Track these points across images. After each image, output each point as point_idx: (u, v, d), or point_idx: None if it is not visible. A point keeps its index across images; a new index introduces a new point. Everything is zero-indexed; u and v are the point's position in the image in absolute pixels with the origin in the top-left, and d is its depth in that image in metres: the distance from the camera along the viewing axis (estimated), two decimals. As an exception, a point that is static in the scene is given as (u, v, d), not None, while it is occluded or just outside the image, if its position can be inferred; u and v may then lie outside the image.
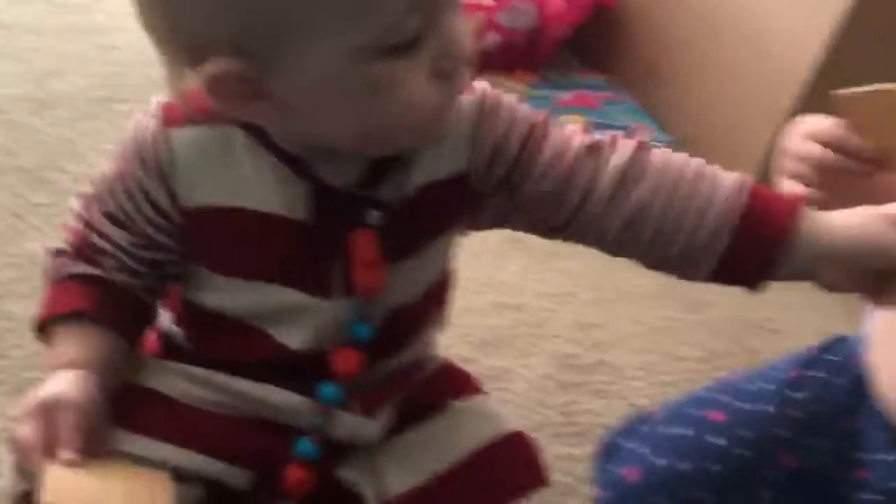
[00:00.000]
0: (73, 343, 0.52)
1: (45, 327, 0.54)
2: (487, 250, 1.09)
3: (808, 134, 0.61)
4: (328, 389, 0.55)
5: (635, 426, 0.76)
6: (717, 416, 0.70)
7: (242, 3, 0.41)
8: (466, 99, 0.53)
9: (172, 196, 0.51)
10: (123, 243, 0.53)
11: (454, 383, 0.67)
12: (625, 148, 0.52)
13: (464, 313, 0.99)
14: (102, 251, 0.53)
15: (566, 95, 1.49)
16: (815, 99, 1.20)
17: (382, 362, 0.59)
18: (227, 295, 0.54)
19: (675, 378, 1.00)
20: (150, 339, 0.60)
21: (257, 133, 0.50)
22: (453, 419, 0.64)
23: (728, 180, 0.51)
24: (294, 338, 0.54)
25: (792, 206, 0.51)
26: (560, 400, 0.93)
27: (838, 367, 0.69)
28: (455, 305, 1.00)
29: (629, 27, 1.53)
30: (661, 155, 0.52)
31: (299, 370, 0.55)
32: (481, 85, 0.54)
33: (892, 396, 0.64)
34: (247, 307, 0.54)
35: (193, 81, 0.45)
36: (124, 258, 0.54)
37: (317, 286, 0.53)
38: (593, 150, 0.52)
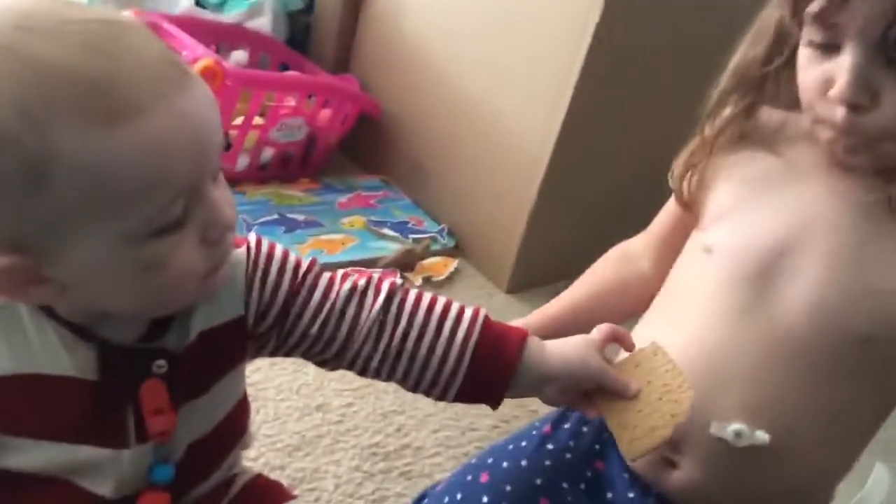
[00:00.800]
0: None
1: None
2: (283, 358, 1.14)
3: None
4: None
5: (421, 500, 0.84)
6: (484, 476, 0.77)
7: (13, 207, 0.43)
8: (239, 251, 0.59)
9: None
10: None
11: (265, 496, 0.71)
12: (382, 292, 0.62)
13: (269, 422, 1.04)
14: None
15: (345, 198, 1.59)
16: (553, 179, 1.38)
17: (189, 494, 0.62)
18: (26, 455, 0.55)
19: (469, 449, 1.10)
20: None
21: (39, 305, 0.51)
22: None
23: (467, 317, 0.62)
24: (102, 487, 0.56)
25: (518, 339, 0.62)
26: (369, 489, 0.99)
27: (584, 419, 0.79)
28: (259, 416, 1.06)
29: (393, 131, 1.66)
30: (413, 297, 0.62)
31: None
32: (252, 237, 0.61)
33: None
34: (46, 465, 0.55)
35: None
36: None
37: (113, 439, 0.55)
38: (355, 294, 0.61)
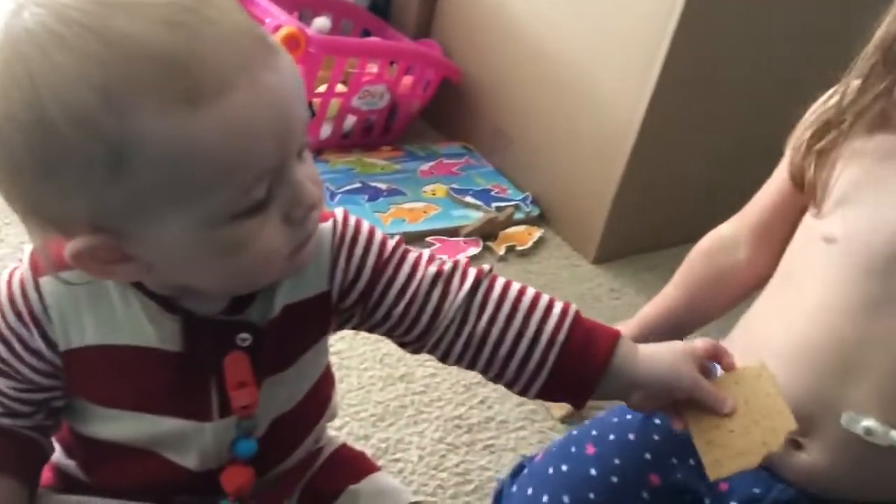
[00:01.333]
0: None
1: None
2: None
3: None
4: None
5: (520, 471, 0.83)
6: (590, 448, 0.77)
7: (93, 189, 0.42)
8: (325, 226, 0.57)
9: (49, 342, 0.52)
10: (6, 389, 0.55)
11: (349, 466, 0.71)
12: (469, 278, 0.59)
13: (352, 392, 1.04)
14: None
15: (427, 166, 1.57)
16: (644, 147, 1.33)
17: (274, 468, 0.63)
18: (113, 425, 0.56)
19: (555, 423, 1.07)
20: (45, 475, 0.61)
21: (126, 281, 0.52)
22: (353, 502, 0.68)
23: (556, 313, 0.59)
24: (186, 459, 0.57)
25: (609, 339, 0.59)
26: (453, 461, 0.98)
27: None
28: (343, 385, 1.05)
29: (475, 96, 1.63)
30: (500, 286, 0.60)
31: (197, 488, 0.58)
32: (339, 212, 0.59)
33: None
34: (133, 435, 0.57)
35: (56, 242, 0.47)
36: (8, 403, 0.55)
37: (196, 411, 0.55)
38: (440, 278, 0.59)
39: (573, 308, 0.60)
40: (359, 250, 0.58)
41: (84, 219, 0.44)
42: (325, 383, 0.66)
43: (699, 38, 1.25)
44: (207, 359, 0.54)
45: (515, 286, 0.61)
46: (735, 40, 1.30)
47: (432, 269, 0.59)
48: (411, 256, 0.60)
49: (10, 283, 0.53)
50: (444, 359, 0.61)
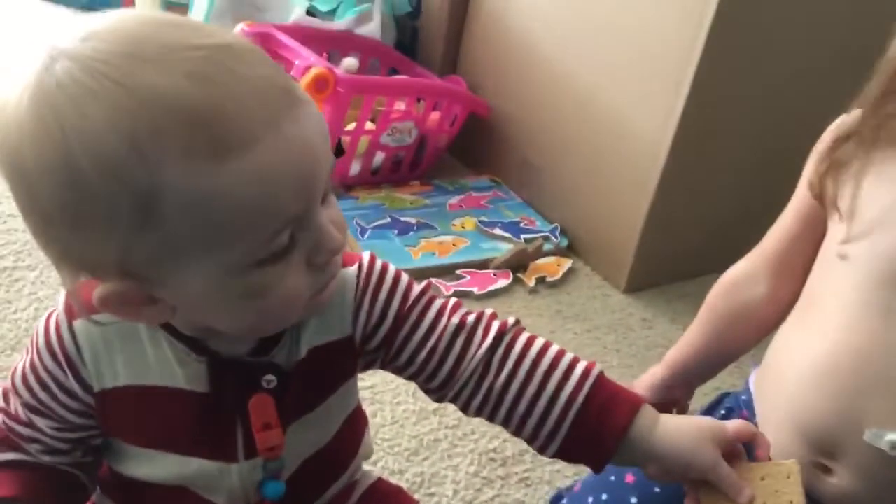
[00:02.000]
0: None
1: None
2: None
3: None
4: None
5: (557, 502, 0.83)
6: (629, 477, 0.76)
7: (121, 237, 0.43)
8: (351, 269, 0.58)
9: (83, 383, 0.54)
10: (45, 429, 0.56)
11: (387, 501, 0.71)
12: (491, 332, 0.59)
13: (385, 426, 1.04)
14: (26, 438, 0.57)
15: (455, 199, 1.59)
16: (673, 174, 1.33)
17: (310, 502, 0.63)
18: (146, 464, 0.57)
19: (590, 455, 1.07)
20: None
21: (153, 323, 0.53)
22: None
23: (577, 373, 0.58)
24: (217, 499, 0.58)
25: (630, 406, 0.57)
26: (488, 495, 0.98)
27: (725, 419, 0.77)
28: (376, 419, 1.06)
29: (503, 130, 1.64)
30: (523, 342, 0.59)
31: None
32: (366, 255, 0.60)
33: (774, 448, 0.72)
34: (164, 475, 0.57)
35: (88, 286, 0.48)
36: (48, 441, 0.57)
37: (221, 453, 0.56)
38: (462, 329, 0.59)
39: (596, 369, 0.59)
40: (383, 294, 0.58)
41: (113, 265, 0.45)
42: (356, 423, 0.66)
43: (726, 63, 1.25)
44: (232, 400, 0.54)
45: (539, 342, 0.60)
46: (762, 62, 1.30)
47: (455, 319, 0.59)
48: (437, 304, 0.60)
49: (47, 326, 0.54)
50: (464, 410, 0.61)
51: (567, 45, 1.47)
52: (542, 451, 0.59)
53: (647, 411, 0.58)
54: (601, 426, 0.57)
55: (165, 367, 0.53)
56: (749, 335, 0.84)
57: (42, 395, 0.55)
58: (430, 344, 0.58)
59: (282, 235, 0.45)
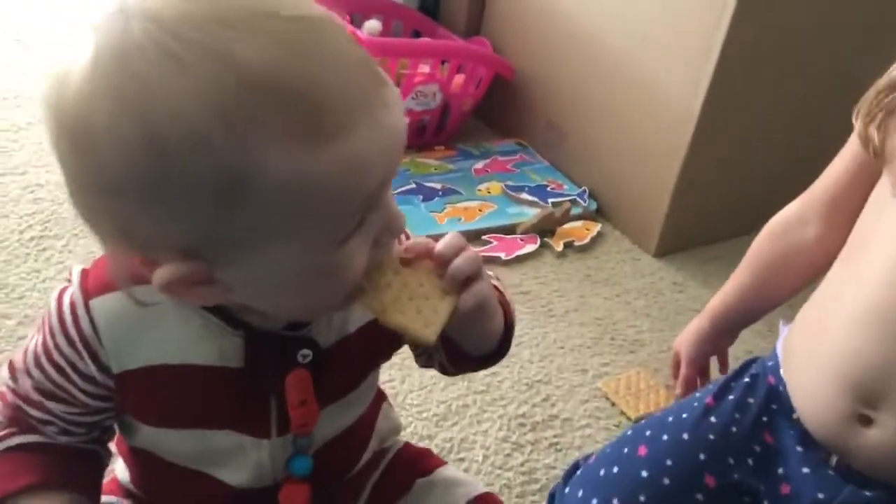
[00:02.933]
0: None
1: None
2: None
3: None
4: None
5: (573, 472, 0.82)
6: (642, 450, 0.74)
7: (199, 218, 0.40)
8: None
9: (101, 366, 0.51)
10: (60, 413, 0.53)
11: (417, 462, 0.71)
12: None
13: (413, 392, 1.04)
14: (41, 421, 0.54)
15: (481, 164, 1.57)
16: (704, 135, 1.30)
17: (331, 484, 0.62)
18: (163, 443, 0.56)
19: (621, 420, 1.06)
20: (111, 486, 0.62)
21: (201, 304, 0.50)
22: (425, 494, 0.67)
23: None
24: (235, 476, 0.56)
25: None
26: (518, 460, 0.97)
27: (750, 387, 0.75)
28: (403, 386, 1.05)
29: (528, 92, 1.62)
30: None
31: None
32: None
33: (804, 408, 0.70)
34: (182, 452, 0.56)
35: (134, 261, 0.45)
36: (63, 424, 0.54)
37: (254, 428, 0.54)
38: None
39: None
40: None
41: (179, 245, 0.42)
42: (378, 400, 0.67)
43: (758, 20, 1.21)
44: (269, 376, 0.53)
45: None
46: (797, 21, 1.26)
47: None
48: None
49: (60, 305, 0.51)
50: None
51: (594, 4, 1.43)
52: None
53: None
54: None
55: (194, 343, 0.51)
56: (794, 280, 0.83)
57: (57, 378, 0.52)
58: None
59: (357, 216, 0.44)
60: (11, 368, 0.55)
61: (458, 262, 0.50)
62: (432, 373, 1.06)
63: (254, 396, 0.53)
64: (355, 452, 0.65)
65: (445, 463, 0.73)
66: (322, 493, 0.59)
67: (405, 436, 0.94)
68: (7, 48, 1.72)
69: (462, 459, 0.96)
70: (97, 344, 0.50)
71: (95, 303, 0.50)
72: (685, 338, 0.94)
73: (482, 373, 1.08)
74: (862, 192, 0.73)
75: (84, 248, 1.18)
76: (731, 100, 1.28)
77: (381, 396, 0.69)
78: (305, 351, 0.53)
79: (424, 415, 1.01)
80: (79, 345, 0.50)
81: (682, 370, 0.95)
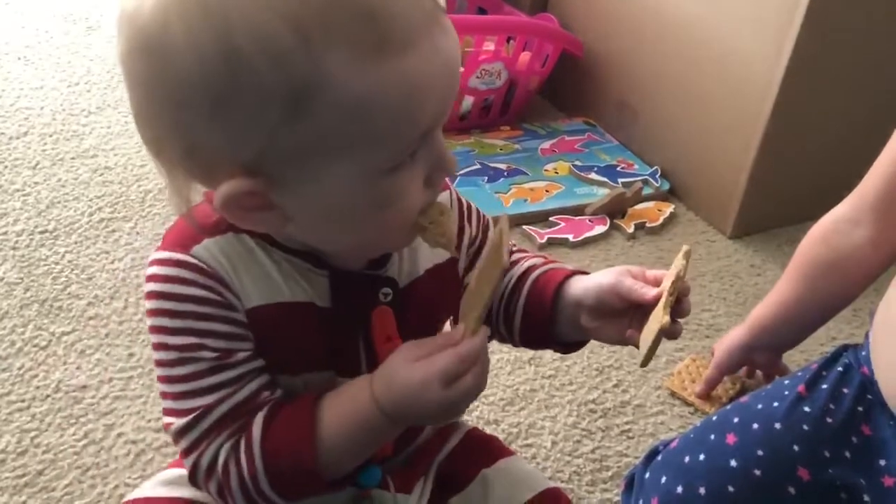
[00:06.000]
0: (345, 389, 0.52)
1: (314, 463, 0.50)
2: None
3: None
4: (370, 472, 0.58)
5: (653, 457, 0.78)
6: (730, 438, 0.71)
7: (266, 128, 0.42)
8: (445, 195, 0.58)
9: (234, 293, 0.51)
10: (243, 370, 0.51)
11: (482, 450, 0.70)
12: (523, 260, 0.65)
13: (481, 376, 1.01)
14: (250, 395, 0.51)
15: (547, 144, 1.52)
16: (783, 113, 1.24)
17: (407, 442, 0.63)
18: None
19: (696, 408, 1.02)
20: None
21: (263, 236, 0.51)
22: (487, 487, 0.66)
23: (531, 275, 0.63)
24: None
25: (560, 275, 0.61)
26: (589, 447, 0.94)
27: (843, 377, 0.71)
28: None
29: (597, 69, 1.57)
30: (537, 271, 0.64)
31: None
32: (447, 183, 0.59)
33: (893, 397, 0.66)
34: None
35: (201, 199, 0.47)
36: (257, 380, 0.52)
37: (347, 366, 0.55)
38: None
39: (542, 269, 0.64)
40: (474, 219, 0.63)
41: (242, 161, 0.44)
42: None
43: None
44: (356, 312, 0.54)
45: (546, 267, 0.65)
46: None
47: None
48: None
49: (162, 273, 0.50)
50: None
51: (667, -24, 1.37)
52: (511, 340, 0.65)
53: (577, 275, 0.61)
54: (542, 295, 0.61)
55: (291, 282, 0.52)
56: (849, 285, 0.78)
57: (206, 326, 0.50)
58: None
59: (414, 143, 0.45)
60: (172, 412, 0.52)
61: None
62: (499, 356, 1.05)
63: (343, 335, 0.55)
64: None
65: (512, 453, 0.71)
66: (402, 446, 0.62)
67: (472, 420, 0.92)
68: (78, 35, 1.75)
69: (529, 445, 0.93)
70: (219, 274, 0.50)
71: (194, 251, 0.50)
72: (724, 339, 0.89)
73: (550, 357, 1.06)
74: None
75: (151, 230, 1.19)
76: (813, 74, 1.21)
77: None
78: (386, 289, 0.55)
79: (491, 399, 0.98)
80: (206, 280, 0.50)
81: (710, 370, 0.90)
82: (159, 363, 0.52)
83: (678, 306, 0.55)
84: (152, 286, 0.51)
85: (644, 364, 0.55)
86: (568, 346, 0.64)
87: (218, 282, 0.50)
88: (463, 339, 0.50)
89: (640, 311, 0.57)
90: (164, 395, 0.52)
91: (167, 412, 0.52)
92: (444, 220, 0.50)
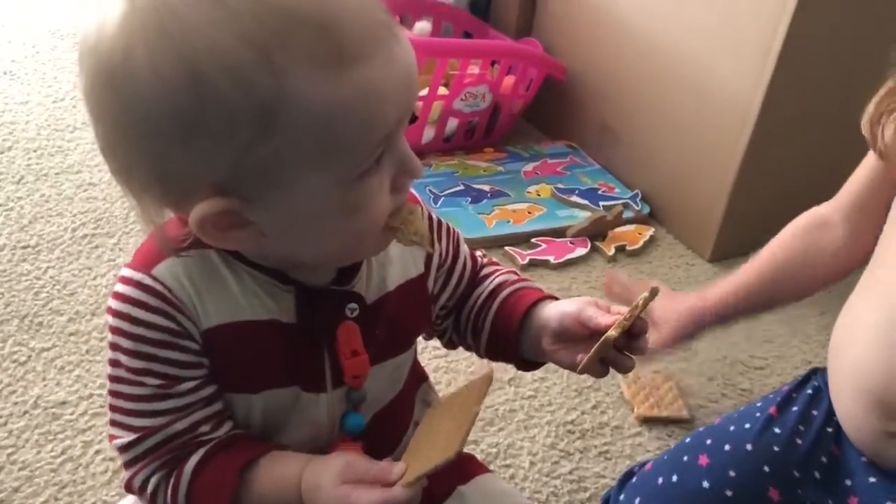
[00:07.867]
0: (279, 464, 0.53)
1: None
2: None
3: None
4: (353, 418, 0.58)
5: (628, 479, 0.79)
6: (703, 459, 0.72)
7: (236, 149, 0.43)
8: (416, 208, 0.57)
9: (189, 317, 0.51)
10: (186, 397, 0.52)
11: (459, 467, 0.69)
12: (495, 275, 0.66)
13: (461, 396, 1.02)
14: (189, 426, 0.52)
15: (530, 166, 1.54)
16: (762, 139, 1.26)
17: (381, 457, 0.62)
18: (235, 412, 0.55)
19: (674, 430, 1.02)
20: None
21: (230, 252, 0.52)
22: (461, 502, 0.66)
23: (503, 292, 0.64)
24: (294, 436, 0.57)
25: (530, 298, 0.62)
26: (567, 468, 0.95)
27: (813, 399, 0.72)
28: (450, 389, 1.03)
29: (579, 93, 1.59)
30: (501, 283, 0.66)
31: None
32: (413, 196, 0.58)
33: (844, 423, 0.67)
34: (251, 420, 0.56)
35: (170, 217, 0.48)
36: (203, 411, 0.53)
37: (311, 382, 0.56)
38: (476, 269, 0.66)
39: (514, 286, 0.65)
40: (444, 234, 0.63)
41: (213, 182, 0.44)
42: (417, 377, 0.68)
43: (818, 22, 1.17)
44: (321, 328, 0.55)
45: (511, 279, 0.66)
46: (855, 25, 1.21)
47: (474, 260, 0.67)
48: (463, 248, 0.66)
49: (124, 293, 0.51)
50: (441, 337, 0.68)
51: (648, 2, 1.40)
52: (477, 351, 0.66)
53: (547, 299, 0.63)
54: (512, 313, 0.62)
55: (254, 300, 0.52)
56: (812, 280, 0.82)
57: (160, 353, 0.50)
58: (467, 280, 0.66)
59: (378, 149, 0.46)
60: (118, 425, 0.53)
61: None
62: (479, 377, 1.05)
63: (308, 350, 0.55)
64: (397, 429, 0.65)
65: (489, 470, 0.71)
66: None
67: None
68: (65, 51, 1.76)
69: (508, 466, 0.94)
70: (176, 299, 0.51)
71: (156, 271, 0.51)
72: (675, 309, 0.89)
73: (530, 377, 1.06)
74: (886, 197, 0.72)
75: (134, 246, 1.19)
76: (792, 100, 1.24)
77: (421, 376, 0.70)
78: (353, 305, 0.55)
79: (470, 419, 0.99)
80: (162, 305, 0.50)
81: (664, 336, 0.89)
82: (111, 378, 0.53)
83: (633, 342, 0.56)
84: (113, 303, 0.52)
85: (581, 370, 0.56)
86: (527, 363, 0.65)
87: (175, 307, 0.50)
88: (396, 485, 0.50)
89: (597, 339, 0.57)
90: (113, 409, 0.54)
91: (114, 424, 0.54)
92: (413, 219, 0.51)
